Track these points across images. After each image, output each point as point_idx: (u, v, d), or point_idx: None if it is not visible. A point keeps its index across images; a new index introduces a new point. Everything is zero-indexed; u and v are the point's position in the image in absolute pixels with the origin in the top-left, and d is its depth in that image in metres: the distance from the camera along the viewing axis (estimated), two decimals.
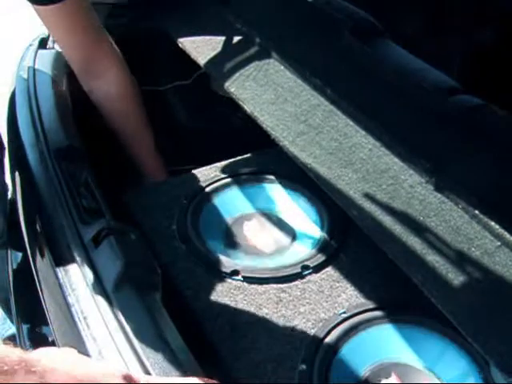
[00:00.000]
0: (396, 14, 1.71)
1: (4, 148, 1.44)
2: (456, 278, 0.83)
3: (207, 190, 1.23)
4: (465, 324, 0.78)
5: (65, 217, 0.96)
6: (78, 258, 0.88)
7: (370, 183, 0.96)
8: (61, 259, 0.91)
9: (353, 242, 1.12)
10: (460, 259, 0.85)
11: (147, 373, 0.73)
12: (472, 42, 1.67)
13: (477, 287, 0.82)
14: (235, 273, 1.05)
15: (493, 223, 0.86)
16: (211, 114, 1.60)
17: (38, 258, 0.99)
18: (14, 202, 1.40)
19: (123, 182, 1.33)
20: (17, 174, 1.20)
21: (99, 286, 0.83)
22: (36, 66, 1.38)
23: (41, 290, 0.97)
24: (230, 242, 1.14)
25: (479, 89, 1.11)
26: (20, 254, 1.48)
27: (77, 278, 0.86)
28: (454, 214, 0.90)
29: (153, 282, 0.87)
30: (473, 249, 0.85)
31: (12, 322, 1.80)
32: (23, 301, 1.37)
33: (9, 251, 1.48)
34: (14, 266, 1.45)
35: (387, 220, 0.92)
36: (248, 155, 1.34)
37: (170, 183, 1.28)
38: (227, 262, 1.08)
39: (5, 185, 1.49)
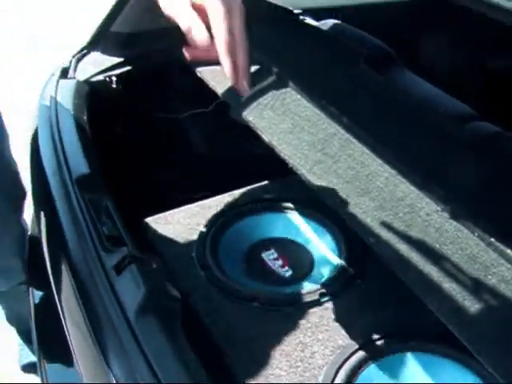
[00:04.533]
0: (411, 41, 1.73)
1: (25, 192, 1.49)
2: (473, 305, 0.83)
3: (226, 217, 1.24)
4: (483, 353, 0.79)
5: (87, 245, 0.98)
6: (100, 286, 0.89)
7: (386, 211, 0.97)
8: (84, 287, 0.93)
9: (370, 269, 1.13)
10: (476, 287, 0.85)
11: None
12: (488, 69, 1.68)
13: (494, 315, 0.82)
14: (254, 299, 1.07)
15: (509, 251, 0.86)
16: (229, 141, 1.62)
17: (62, 287, 1.01)
18: (34, 238, 1.44)
19: (143, 209, 1.35)
20: (39, 203, 1.23)
21: (121, 314, 0.84)
22: (58, 96, 1.41)
23: (64, 319, 0.99)
24: (249, 268, 1.16)
25: (496, 116, 1.12)
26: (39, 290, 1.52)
27: (99, 305, 0.88)
28: (470, 241, 0.91)
29: (173, 310, 0.89)
30: (489, 276, 0.86)
31: (31, 351, 1.83)
32: (45, 333, 1.40)
33: (30, 287, 1.52)
34: (36, 301, 1.47)
35: (404, 248, 0.93)
36: (266, 183, 1.35)
37: (189, 210, 1.30)
38: (246, 288, 1.09)
39: (24, 226, 1.54)
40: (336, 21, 1.49)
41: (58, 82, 1.47)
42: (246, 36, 0.89)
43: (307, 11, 1.58)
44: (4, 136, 1.42)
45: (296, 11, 1.58)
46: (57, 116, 1.32)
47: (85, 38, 1.59)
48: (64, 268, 1.03)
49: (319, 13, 1.60)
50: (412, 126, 1.14)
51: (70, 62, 1.54)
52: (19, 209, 1.52)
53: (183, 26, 0.86)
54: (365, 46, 1.35)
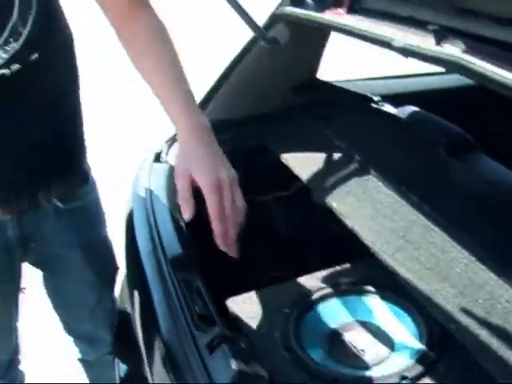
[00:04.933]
0: (489, 128, 1.77)
1: (118, 268, 1.59)
2: None
3: (308, 299, 1.29)
4: None
5: (180, 323, 1.04)
6: (193, 363, 0.95)
7: (466, 298, 1.00)
8: (176, 363, 0.99)
9: (451, 353, 1.14)
10: None
11: None
12: None
13: None
14: (336, 381, 1.10)
15: None
16: (311, 224, 1.68)
17: (155, 361, 1.08)
18: (122, 311, 1.53)
19: (228, 288, 1.40)
20: (133, 280, 1.31)
21: None
22: (151, 180, 1.51)
23: None
24: (331, 351, 1.19)
25: None
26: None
27: (192, 382, 0.93)
28: None
29: None
30: None
31: None
32: None
33: (116, 360, 1.59)
34: (122, 374, 1.55)
35: (484, 334, 0.95)
36: (347, 265, 1.40)
37: (272, 291, 1.35)
38: (328, 370, 1.12)
39: (114, 300, 1.63)
40: (414, 108, 1.55)
41: (151, 165, 1.57)
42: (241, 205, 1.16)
43: (386, 97, 1.65)
44: (102, 218, 1.53)
45: (376, 98, 1.65)
46: (151, 199, 1.41)
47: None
48: (156, 343, 1.10)
49: (398, 98, 1.66)
50: (491, 214, 1.17)
51: (163, 146, 1.64)
52: (112, 284, 1.61)
53: (179, 199, 1.12)
54: (443, 133, 1.40)
